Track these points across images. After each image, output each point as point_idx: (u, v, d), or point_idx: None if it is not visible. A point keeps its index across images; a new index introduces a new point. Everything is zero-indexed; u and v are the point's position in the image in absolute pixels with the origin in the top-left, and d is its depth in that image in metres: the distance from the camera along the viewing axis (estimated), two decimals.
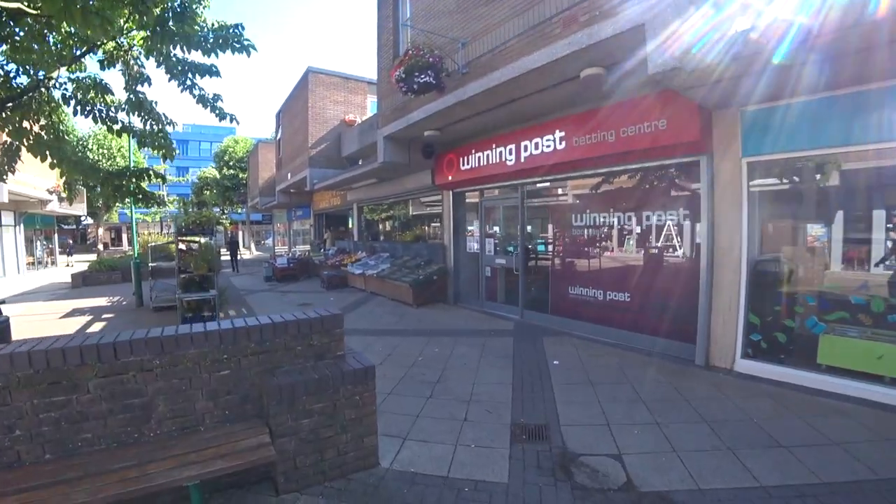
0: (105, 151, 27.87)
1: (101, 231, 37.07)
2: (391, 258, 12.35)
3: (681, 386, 4.94)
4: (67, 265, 25.40)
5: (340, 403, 3.21)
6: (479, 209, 9.40)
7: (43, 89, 5.50)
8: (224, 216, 41.04)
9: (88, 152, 26.33)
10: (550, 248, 8.10)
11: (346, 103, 16.02)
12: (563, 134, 6.77)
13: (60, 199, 22.97)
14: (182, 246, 9.42)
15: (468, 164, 8.75)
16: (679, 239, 6.07)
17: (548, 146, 7.01)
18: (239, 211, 38.26)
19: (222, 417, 3.09)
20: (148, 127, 6.02)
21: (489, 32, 6.25)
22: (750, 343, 5.26)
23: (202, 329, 3.03)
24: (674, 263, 6.19)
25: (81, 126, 29.35)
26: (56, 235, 27.04)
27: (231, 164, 36.52)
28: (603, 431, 3.98)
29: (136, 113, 5.88)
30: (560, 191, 7.93)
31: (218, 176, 37.03)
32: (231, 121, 6.09)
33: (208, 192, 37.86)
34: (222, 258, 23.97)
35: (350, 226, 17.72)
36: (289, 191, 19.22)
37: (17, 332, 8.99)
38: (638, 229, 6.53)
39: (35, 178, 19.48)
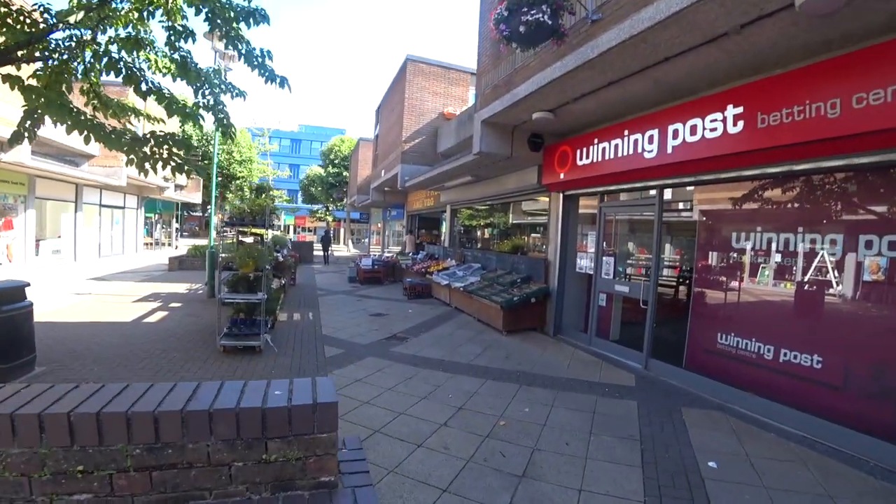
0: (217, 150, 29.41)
1: (215, 219, 39.53)
2: (482, 270, 10.59)
3: None
4: (175, 248, 26.87)
5: None
6: (597, 218, 7.29)
7: (72, 43, 4.51)
8: (328, 213, 42.21)
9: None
10: (694, 275, 5.82)
11: (446, 95, 14.57)
12: (739, 110, 4.54)
13: (177, 188, 24.38)
14: (249, 239, 8.45)
15: (587, 157, 6.72)
16: None
17: (712, 129, 4.80)
18: (340, 207, 38.90)
19: None
20: (201, 98, 4.91)
21: None
22: None
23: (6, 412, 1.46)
24: None
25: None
26: (174, 220, 28.93)
27: (336, 162, 37.22)
28: None
29: (182, 77, 4.80)
30: (716, 197, 5.62)
31: (323, 174, 37.92)
32: (282, 85, 4.87)
33: (314, 190, 38.95)
34: (315, 252, 24.46)
35: (442, 230, 16.31)
36: (382, 189, 18.26)
37: (85, 314, 8.64)
38: (850, 257, 4.13)
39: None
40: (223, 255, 6.69)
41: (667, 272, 7.15)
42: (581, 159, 6.86)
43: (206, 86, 4.92)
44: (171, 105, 4.67)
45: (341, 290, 13.30)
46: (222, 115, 5.06)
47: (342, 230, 46.01)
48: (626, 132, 6.00)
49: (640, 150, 5.74)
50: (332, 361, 6.18)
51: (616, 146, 6.14)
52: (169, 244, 27.55)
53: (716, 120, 4.76)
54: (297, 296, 11.81)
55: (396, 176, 14.45)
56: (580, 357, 6.78)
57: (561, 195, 7.98)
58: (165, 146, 4.77)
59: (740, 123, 4.51)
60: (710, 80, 4.89)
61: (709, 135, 4.83)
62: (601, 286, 7.12)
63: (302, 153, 55.12)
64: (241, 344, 6.41)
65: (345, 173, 36.31)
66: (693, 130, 5.00)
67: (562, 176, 7.33)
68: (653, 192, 6.19)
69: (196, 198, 28.57)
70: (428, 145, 14.24)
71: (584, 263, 7.66)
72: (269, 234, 8.93)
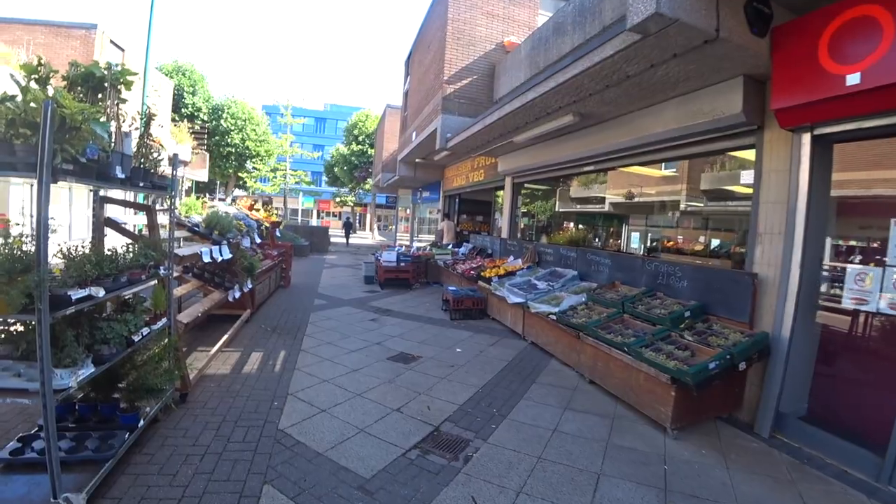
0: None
1: (230, 199, 36.27)
2: (579, 281, 6.37)
3: None
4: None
5: None
6: None
7: None
8: (351, 197, 38.45)
9: None
10: None
11: (506, 20, 10.22)
12: None
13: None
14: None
15: None
16: None
17: None
18: (363, 189, 34.93)
19: None
20: None
21: None
22: None
23: None
24: None
25: None
26: (178, 201, 25.53)
27: (360, 139, 33.19)
28: None
29: None
30: None
31: (346, 152, 33.90)
32: None
33: (337, 170, 35.04)
34: (336, 240, 21.09)
35: (497, 216, 12.13)
36: (413, 160, 14.11)
37: None
38: None
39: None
40: None
41: None
42: None
43: None
44: None
45: (351, 297, 9.26)
46: None
47: (368, 215, 42.24)
48: None
49: None
50: None
51: None
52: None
53: None
54: (281, 308, 7.83)
55: (432, 136, 10.23)
56: None
57: (807, 137, 3.66)
58: None
59: None
60: None
61: None
62: None
63: (327, 133, 51.45)
64: None
65: (370, 151, 32.31)
66: None
67: (851, 80, 3.01)
68: None
69: (202, 175, 25.02)
70: (481, 89, 9.95)
71: (869, 294, 3.33)
72: (211, 211, 5.05)
